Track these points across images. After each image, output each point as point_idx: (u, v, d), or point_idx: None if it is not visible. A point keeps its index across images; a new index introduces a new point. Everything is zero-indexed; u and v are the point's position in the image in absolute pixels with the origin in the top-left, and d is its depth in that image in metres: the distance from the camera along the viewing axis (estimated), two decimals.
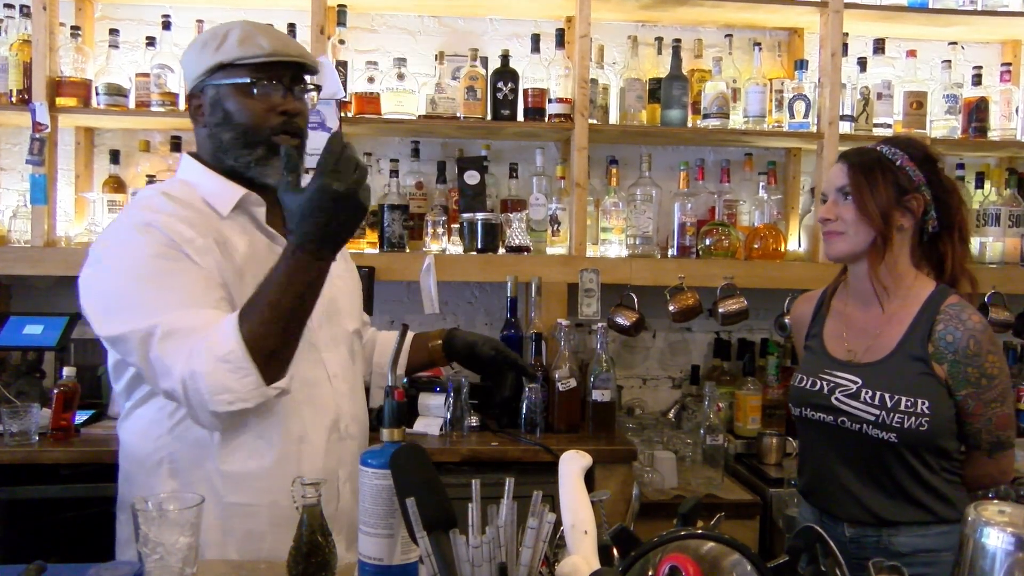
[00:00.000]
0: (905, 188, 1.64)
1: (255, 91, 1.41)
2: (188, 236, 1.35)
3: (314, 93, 1.52)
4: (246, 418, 1.34)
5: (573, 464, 1.09)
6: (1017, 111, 3.02)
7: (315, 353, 1.45)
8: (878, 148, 1.69)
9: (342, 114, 2.70)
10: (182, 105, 2.77)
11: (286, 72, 1.44)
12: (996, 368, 1.59)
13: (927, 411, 1.55)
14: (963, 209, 1.69)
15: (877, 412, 1.58)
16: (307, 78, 1.50)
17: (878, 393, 1.59)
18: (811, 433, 1.73)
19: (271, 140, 1.42)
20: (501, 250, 2.81)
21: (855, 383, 1.63)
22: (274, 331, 1.27)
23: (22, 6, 2.77)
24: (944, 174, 1.69)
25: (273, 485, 1.38)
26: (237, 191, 1.45)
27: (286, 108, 1.42)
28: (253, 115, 1.41)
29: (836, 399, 1.64)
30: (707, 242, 2.89)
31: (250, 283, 1.35)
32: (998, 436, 1.62)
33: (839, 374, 1.67)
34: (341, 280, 1.57)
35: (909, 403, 1.56)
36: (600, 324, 2.70)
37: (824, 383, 1.68)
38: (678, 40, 2.93)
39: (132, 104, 2.79)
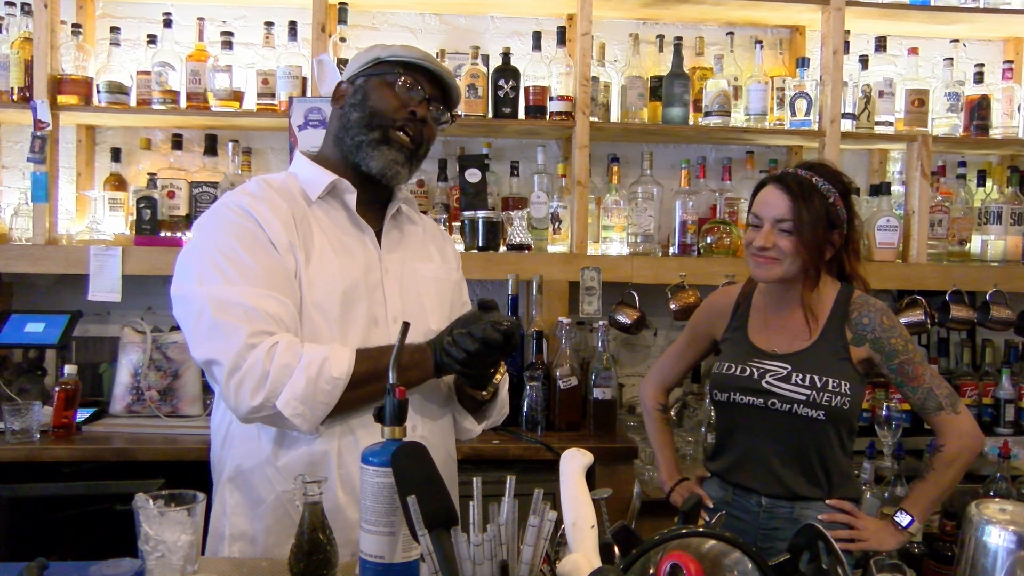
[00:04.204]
0: (833, 224, 1.77)
1: (396, 86, 1.50)
2: (267, 217, 1.42)
3: (446, 125, 1.59)
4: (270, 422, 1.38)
5: (574, 462, 1.09)
6: (1019, 109, 3.02)
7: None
8: (813, 180, 1.77)
9: None
10: (183, 103, 2.77)
11: (430, 86, 1.53)
12: (908, 334, 1.79)
13: (848, 392, 1.73)
14: (857, 226, 1.84)
15: (808, 392, 1.73)
16: (447, 113, 1.57)
17: (808, 375, 1.74)
18: (737, 416, 1.83)
19: (390, 130, 1.49)
20: (502, 248, 2.81)
21: (785, 368, 1.77)
22: (364, 390, 1.35)
23: (23, 4, 2.77)
24: (855, 208, 1.84)
25: (324, 474, 1.38)
26: (328, 176, 1.51)
27: (415, 110, 1.50)
28: (385, 104, 1.50)
29: (767, 383, 1.77)
30: (708, 240, 2.89)
31: (321, 263, 1.43)
32: (948, 389, 1.77)
33: (767, 362, 1.80)
34: (436, 282, 1.60)
35: (835, 384, 1.73)
36: (601, 322, 2.71)
37: (753, 369, 1.80)
38: (679, 38, 2.93)
39: (133, 102, 2.79)
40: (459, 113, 2.76)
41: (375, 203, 1.56)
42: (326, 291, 1.43)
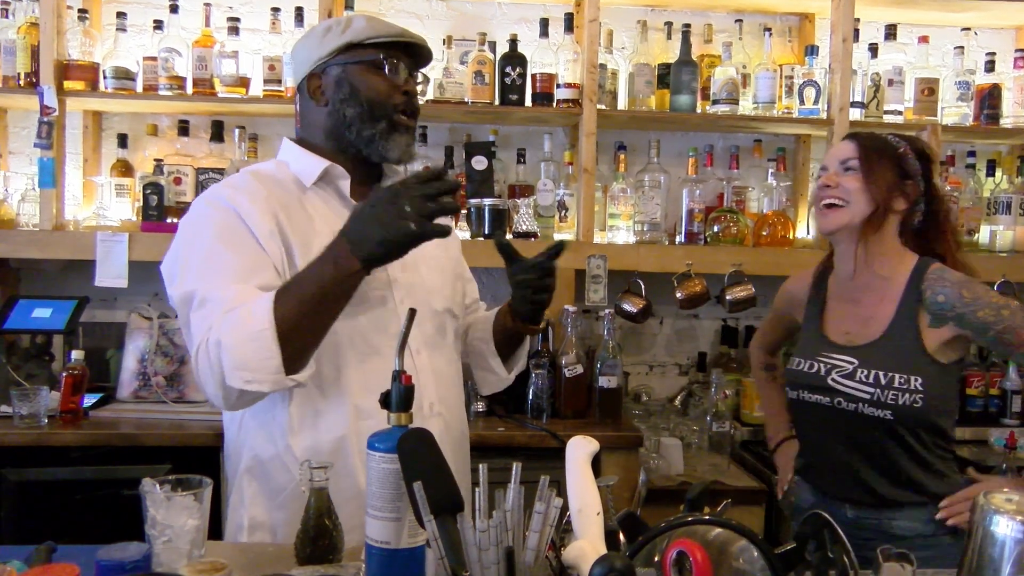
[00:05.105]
0: (906, 173, 1.67)
1: (384, 69, 1.48)
2: (247, 208, 1.39)
3: (423, 85, 1.59)
4: (258, 401, 1.35)
5: (580, 449, 1.08)
6: None
7: (393, 329, 1.43)
8: (884, 135, 1.73)
9: None
10: (190, 89, 2.77)
11: (408, 58, 1.52)
12: (1001, 298, 1.62)
13: (920, 388, 1.58)
14: (951, 214, 1.74)
15: (872, 391, 1.61)
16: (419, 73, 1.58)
17: (873, 372, 1.62)
18: (808, 415, 1.75)
19: (393, 117, 1.49)
20: (508, 236, 2.80)
21: (851, 364, 1.66)
22: (305, 323, 1.29)
23: None
24: (936, 178, 1.72)
25: (340, 461, 1.38)
26: (321, 163, 1.50)
27: (407, 88, 1.50)
28: (379, 92, 1.47)
29: (832, 380, 1.67)
30: (715, 229, 2.88)
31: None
32: None
33: (836, 356, 1.69)
34: (434, 260, 1.60)
35: (903, 380, 1.59)
36: (607, 310, 2.70)
37: (821, 365, 1.70)
38: (688, 25, 2.91)
39: (140, 88, 2.79)
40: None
41: (366, 184, 1.55)
42: None
